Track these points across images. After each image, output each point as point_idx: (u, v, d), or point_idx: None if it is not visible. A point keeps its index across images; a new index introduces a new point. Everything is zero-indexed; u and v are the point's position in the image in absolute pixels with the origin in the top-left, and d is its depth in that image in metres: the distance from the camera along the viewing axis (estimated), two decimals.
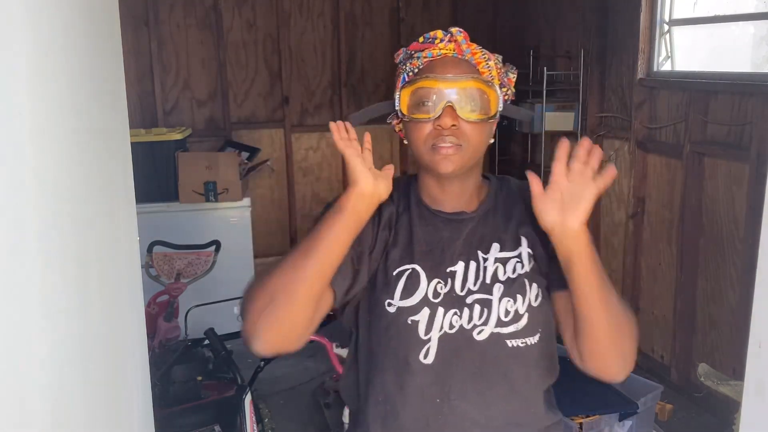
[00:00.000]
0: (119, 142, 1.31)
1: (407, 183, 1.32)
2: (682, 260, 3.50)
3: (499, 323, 1.22)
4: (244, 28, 4.76)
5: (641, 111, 3.75)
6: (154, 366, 2.50)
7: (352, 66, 5.02)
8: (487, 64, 1.23)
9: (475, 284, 1.23)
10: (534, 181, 1.09)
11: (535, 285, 1.24)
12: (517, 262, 1.25)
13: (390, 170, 1.20)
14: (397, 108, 1.24)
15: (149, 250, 3.44)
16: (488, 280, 1.23)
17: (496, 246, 1.25)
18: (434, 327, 1.21)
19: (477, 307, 1.22)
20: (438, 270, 1.23)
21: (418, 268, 1.23)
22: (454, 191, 1.27)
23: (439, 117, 1.18)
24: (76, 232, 0.97)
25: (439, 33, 1.23)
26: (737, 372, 3.08)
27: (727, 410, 3.15)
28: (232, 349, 2.79)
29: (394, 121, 1.32)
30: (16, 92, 0.76)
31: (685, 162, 3.42)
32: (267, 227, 4.98)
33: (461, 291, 1.23)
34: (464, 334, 1.21)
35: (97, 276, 1.08)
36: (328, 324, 2.93)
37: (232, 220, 4.30)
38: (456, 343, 1.21)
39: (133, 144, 1.45)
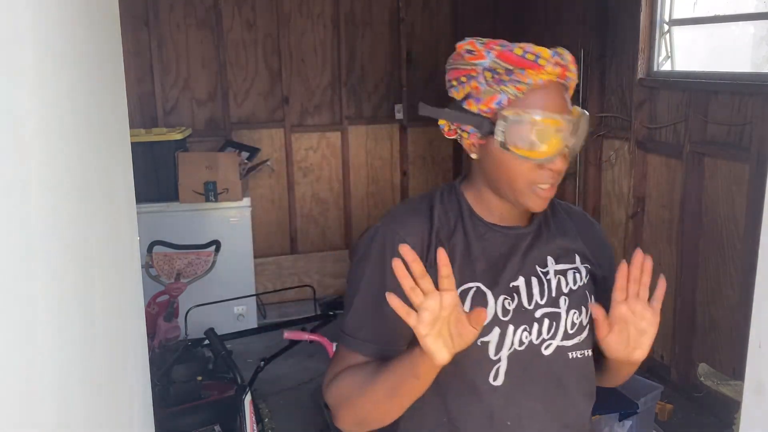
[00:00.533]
0: (119, 142, 1.30)
1: (451, 191, 1.24)
2: (682, 260, 3.50)
3: (566, 336, 1.20)
4: (244, 28, 4.76)
5: (641, 111, 3.75)
6: (154, 366, 2.50)
7: (352, 66, 5.03)
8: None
9: (542, 298, 1.20)
10: (600, 318, 1.11)
11: (593, 297, 1.24)
12: (576, 272, 1.24)
13: (481, 316, 1.00)
14: (499, 139, 1.11)
15: (149, 250, 3.44)
16: (554, 293, 1.21)
17: (551, 260, 1.23)
18: (504, 346, 1.16)
19: (546, 321, 1.19)
20: (502, 286, 1.18)
21: (481, 285, 1.17)
22: (515, 207, 1.21)
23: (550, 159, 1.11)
24: (78, 232, 0.97)
25: (545, 52, 1.10)
26: (737, 372, 3.08)
27: (727, 410, 3.15)
28: (232, 349, 2.79)
29: (465, 137, 1.18)
30: (23, 93, 0.76)
31: (685, 162, 3.42)
32: (267, 227, 4.98)
33: (529, 305, 1.18)
34: (533, 350, 1.18)
35: (99, 276, 1.08)
36: (328, 324, 2.93)
37: (232, 220, 4.30)
38: (525, 360, 1.17)
39: (133, 144, 1.45)
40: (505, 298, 1.17)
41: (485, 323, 1.09)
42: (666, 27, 3.69)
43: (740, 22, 3.45)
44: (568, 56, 1.12)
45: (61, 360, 0.86)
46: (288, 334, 2.60)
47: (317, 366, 3.84)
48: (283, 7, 4.79)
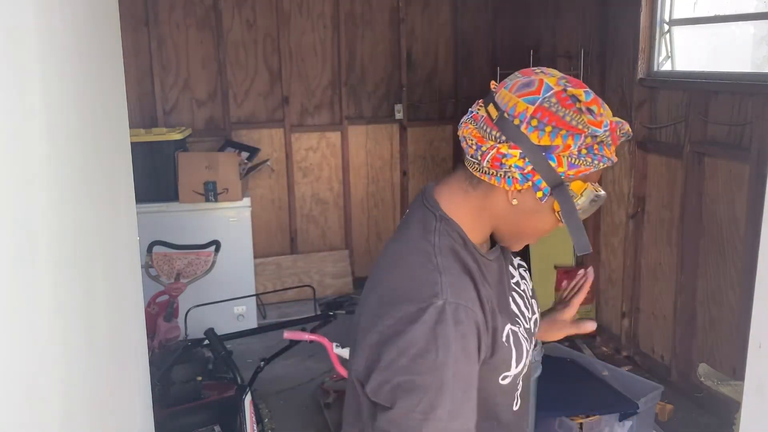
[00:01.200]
0: (119, 142, 1.30)
1: (450, 226, 1.10)
2: (682, 260, 3.50)
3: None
4: (244, 27, 4.76)
5: (641, 111, 3.75)
6: (154, 366, 2.50)
7: (352, 66, 5.02)
8: None
9: (528, 311, 1.21)
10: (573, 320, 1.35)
11: None
12: (523, 269, 1.29)
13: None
14: (568, 207, 1.04)
15: (149, 250, 3.44)
16: (528, 301, 1.24)
17: (511, 268, 1.24)
18: (524, 371, 1.17)
19: (533, 329, 1.23)
20: (513, 315, 1.15)
21: (510, 325, 1.12)
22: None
23: None
24: (78, 232, 0.97)
25: (627, 128, 1.06)
26: (737, 372, 3.08)
27: (727, 410, 3.15)
28: (232, 349, 2.79)
29: (515, 182, 1.04)
30: (29, 93, 0.76)
31: (685, 162, 3.42)
32: (267, 227, 4.98)
33: (527, 323, 1.19)
34: (528, 362, 1.20)
35: (100, 276, 1.08)
36: (328, 324, 2.93)
37: (232, 220, 4.30)
38: (525, 374, 1.19)
39: (133, 144, 1.45)
40: (519, 327, 1.15)
41: (525, 360, 1.14)
42: (666, 27, 3.69)
43: (740, 22, 3.45)
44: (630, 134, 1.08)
45: (64, 360, 0.86)
46: (288, 334, 2.60)
47: (317, 366, 3.84)
48: (283, 7, 4.79)
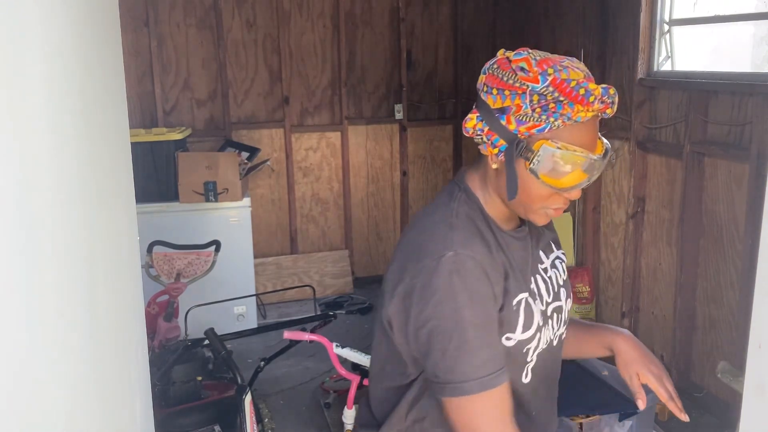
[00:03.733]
0: (119, 142, 1.30)
1: (470, 199, 1.21)
2: (682, 260, 3.50)
3: (564, 323, 1.30)
4: (244, 27, 4.76)
5: (641, 111, 3.75)
6: (154, 366, 2.50)
7: (352, 66, 5.02)
8: None
9: (549, 295, 1.25)
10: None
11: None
12: (560, 261, 1.33)
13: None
14: (531, 166, 1.10)
15: (149, 250, 3.44)
16: (555, 288, 1.28)
17: (543, 254, 1.29)
18: (539, 347, 1.22)
19: (555, 316, 1.27)
20: (532, 291, 1.22)
21: (526, 295, 1.20)
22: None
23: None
24: (79, 232, 0.97)
25: (597, 90, 1.08)
26: None
27: (727, 410, 3.15)
28: (232, 349, 2.79)
29: (489, 146, 1.14)
30: (31, 93, 0.76)
31: (685, 162, 3.42)
32: (267, 227, 4.98)
33: (544, 306, 1.24)
34: (550, 345, 1.26)
35: (101, 276, 1.08)
36: (328, 324, 2.93)
37: (232, 220, 4.30)
38: (545, 356, 1.25)
39: (133, 144, 1.45)
40: (537, 302, 1.21)
41: (533, 332, 1.19)
42: (666, 27, 3.68)
43: (740, 22, 3.45)
44: (616, 97, 1.10)
45: (66, 360, 0.86)
46: (288, 334, 2.60)
47: (317, 366, 3.84)
48: (283, 7, 4.79)
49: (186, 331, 3.41)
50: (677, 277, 3.53)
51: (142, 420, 1.36)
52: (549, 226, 1.34)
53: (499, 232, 1.20)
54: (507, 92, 1.10)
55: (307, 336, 2.58)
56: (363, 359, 2.55)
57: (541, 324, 1.21)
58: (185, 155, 4.26)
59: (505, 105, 1.10)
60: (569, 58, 1.15)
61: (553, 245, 1.34)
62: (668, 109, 3.58)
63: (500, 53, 1.15)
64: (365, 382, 2.52)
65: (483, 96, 1.14)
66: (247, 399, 2.49)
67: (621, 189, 3.97)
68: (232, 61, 4.76)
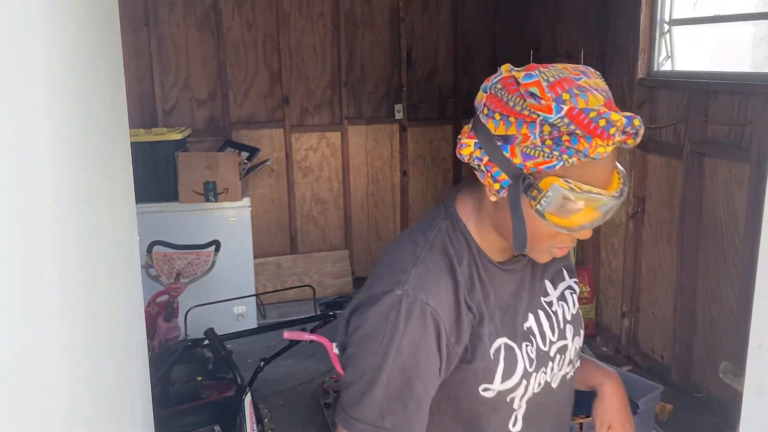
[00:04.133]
0: (119, 142, 1.30)
1: (455, 228, 1.08)
2: (682, 260, 3.50)
3: (569, 363, 1.16)
4: (244, 28, 4.76)
5: (641, 111, 3.75)
6: (154, 366, 2.50)
7: (352, 66, 5.02)
8: None
9: (553, 334, 1.12)
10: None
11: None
12: (570, 292, 1.19)
13: None
14: (538, 208, 0.95)
15: (149, 250, 3.44)
16: (561, 324, 1.14)
17: (549, 285, 1.16)
18: (527, 394, 1.09)
19: (558, 357, 1.13)
20: (520, 332, 1.09)
21: (507, 339, 1.06)
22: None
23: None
24: (80, 232, 0.97)
25: (620, 121, 0.90)
26: None
27: (728, 410, 3.15)
28: (232, 349, 2.79)
29: (488, 178, 0.98)
30: (33, 93, 0.76)
31: (685, 162, 3.42)
32: (267, 227, 4.98)
33: (544, 345, 1.11)
34: (546, 388, 1.13)
35: (101, 276, 1.08)
36: (328, 324, 2.93)
37: (232, 220, 4.30)
38: (539, 399, 1.12)
39: (133, 144, 1.45)
40: (527, 345, 1.08)
41: (516, 381, 1.06)
42: (666, 27, 3.69)
43: (740, 22, 3.45)
44: (641, 129, 0.92)
45: (66, 360, 0.86)
46: (288, 334, 2.60)
47: (317, 366, 3.84)
48: (283, 7, 4.79)
49: (186, 331, 3.41)
50: (677, 277, 3.53)
51: (142, 420, 1.36)
52: None
53: (488, 264, 1.07)
54: (512, 119, 0.93)
55: (307, 336, 2.58)
56: None
57: (530, 369, 1.07)
58: (185, 155, 4.26)
59: (509, 133, 0.94)
60: (584, 69, 0.97)
61: (565, 272, 1.20)
62: (668, 109, 3.58)
63: (505, 69, 0.98)
64: None
65: (483, 119, 0.97)
66: (247, 399, 2.49)
67: None
68: (231, 61, 4.76)
